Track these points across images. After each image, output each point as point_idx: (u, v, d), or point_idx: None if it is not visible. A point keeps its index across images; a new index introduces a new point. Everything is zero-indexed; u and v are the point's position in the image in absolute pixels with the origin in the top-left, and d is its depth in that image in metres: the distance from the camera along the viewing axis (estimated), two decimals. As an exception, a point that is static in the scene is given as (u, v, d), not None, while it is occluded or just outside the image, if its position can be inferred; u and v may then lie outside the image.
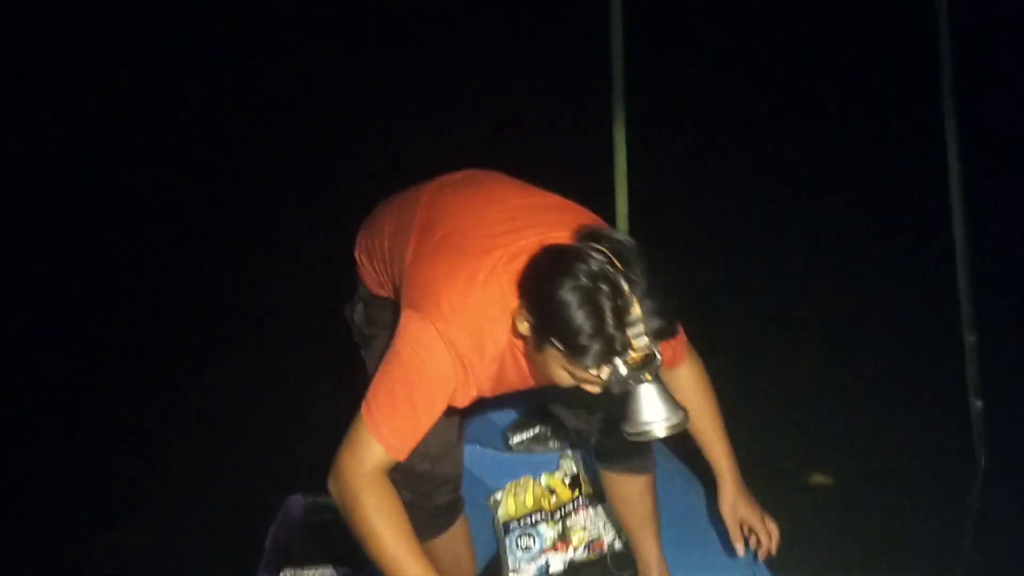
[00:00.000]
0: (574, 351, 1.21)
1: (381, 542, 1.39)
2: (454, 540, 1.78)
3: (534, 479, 2.11)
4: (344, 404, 3.59)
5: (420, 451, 1.48)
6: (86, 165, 4.62)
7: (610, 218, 2.53)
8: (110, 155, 4.66)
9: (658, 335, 1.21)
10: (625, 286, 1.19)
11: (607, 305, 1.18)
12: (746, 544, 1.74)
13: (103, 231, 4.38)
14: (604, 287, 1.18)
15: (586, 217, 1.48)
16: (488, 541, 1.96)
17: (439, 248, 1.45)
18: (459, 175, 1.66)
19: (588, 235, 1.26)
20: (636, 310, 1.19)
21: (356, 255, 1.71)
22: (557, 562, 2.00)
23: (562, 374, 1.29)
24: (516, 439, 2.25)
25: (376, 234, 1.64)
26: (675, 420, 1.23)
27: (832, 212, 4.24)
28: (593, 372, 1.22)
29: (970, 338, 2.63)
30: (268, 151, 4.58)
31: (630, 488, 1.84)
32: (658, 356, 1.21)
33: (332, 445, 3.16)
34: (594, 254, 1.21)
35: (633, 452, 1.80)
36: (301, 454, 3.13)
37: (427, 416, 1.39)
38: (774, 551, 1.74)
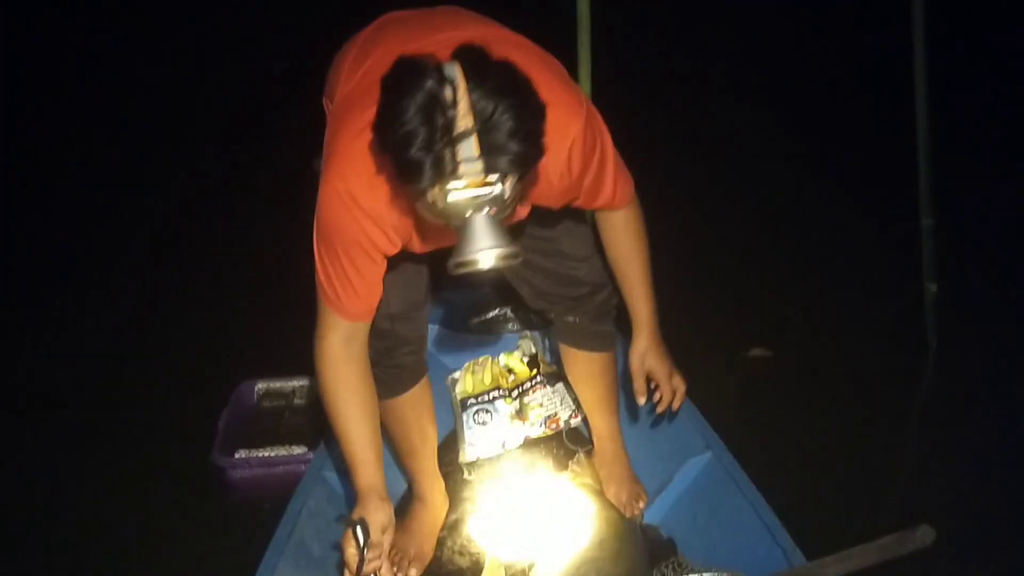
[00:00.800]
0: (402, 168, 1.11)
1: (334, 410, 1.44)
2: (416, 403, 1.80)
3: (492, 358, 2.12)
4: (300, 290, 3.57)
5: (382, 310, 1.47)
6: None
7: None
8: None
9: (512, 163, 1.09)
10: (465, 105, 1.06)
11: (438, 121, 1.07)
12: (650, 395, 1.73)
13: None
14: (439, 102, 1.07)
15: (525, 54, 1.34)
16: (446, 419, 1.99)
17: (353, 90, 1.39)
18: (414, 11, 1.56)
19: (454, 52, 1.13)
20: (466, 127, 1.06)
21: (323, 102, 1.61)
22: (514, 437, 2.04)
23: (418, 208, 1.20)
24: (475, 320, 2.27)
25: (334, 78, 1.54)
26: (506, 251, 1.10)
27: (793, 87, 4.25)
28: (429, 198, 1.10)
29: (927, 222, 2.66)
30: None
31: (590, 365, 1.88)
32: (498, 184, 1.09)
33: (284, 332, 3.18)
34: (441, 68, 1.08)
35: (595, 330, 1.83)
36: (252, 341, 3.15)
37: (356, 274, 1.37)
38: (676, 408, 1.72)
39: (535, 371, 2.10)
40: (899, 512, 2.07)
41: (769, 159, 3.95)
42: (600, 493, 1.85)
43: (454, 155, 1.07)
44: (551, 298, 1.80)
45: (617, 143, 1.50)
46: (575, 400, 2.08)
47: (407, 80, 1.10)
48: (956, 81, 3.64)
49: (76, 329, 3.24)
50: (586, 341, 1.86)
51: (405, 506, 1.87)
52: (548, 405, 2.07)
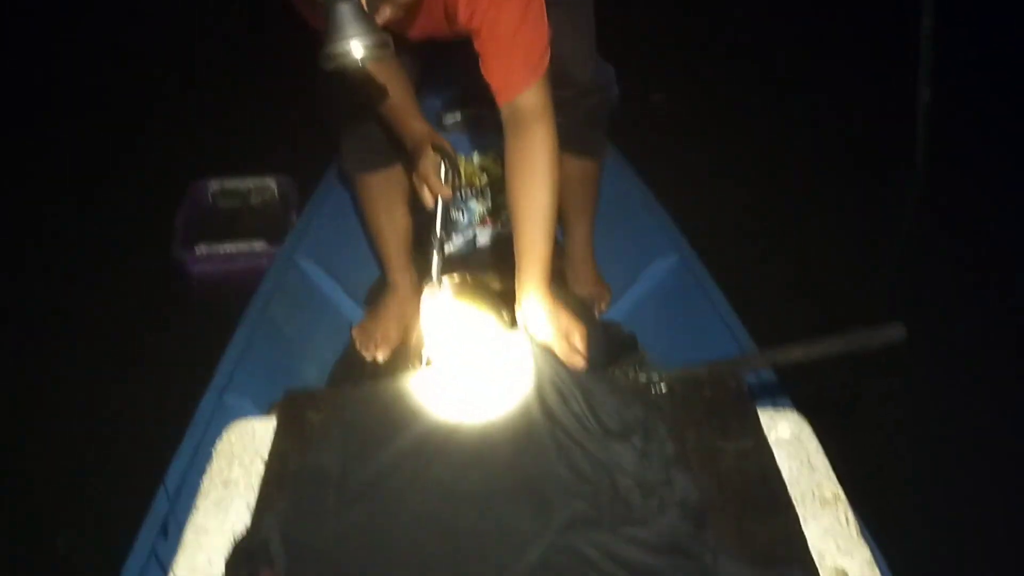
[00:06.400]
0: None
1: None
2: (387, 185, 1.85)
3: (466, 157, 2.20)
4: (249, 90, 3.51)
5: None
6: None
7: None
8: None
9: None
10: None
11: None
12: None
13: None
14: None
15: None
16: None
17: None
18: None
19: None
20: None
21: None
22: (484, 235, 2.15)
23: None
24: (450, 118, 2.31)
25: None
26: (374, 41, 1.10)
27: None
28: None
29: (927, 25, 2.64)
30: None
31: (572, 169, 1.89)
32: None
33: (236, 130, 3.16)
34: None
35: (583, 134, 1.83)
36: (205, 140, 3.16)
37: None
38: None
39: (508, 172, 2.17)
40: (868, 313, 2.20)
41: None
42: (564, 282, 1.97)
43: None
44: None
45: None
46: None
47: None
48: None
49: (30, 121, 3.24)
50: (571, 144, 1.79)
51: (377, 292, 1.99)
52: (519, 206, 2.16)
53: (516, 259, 1.39)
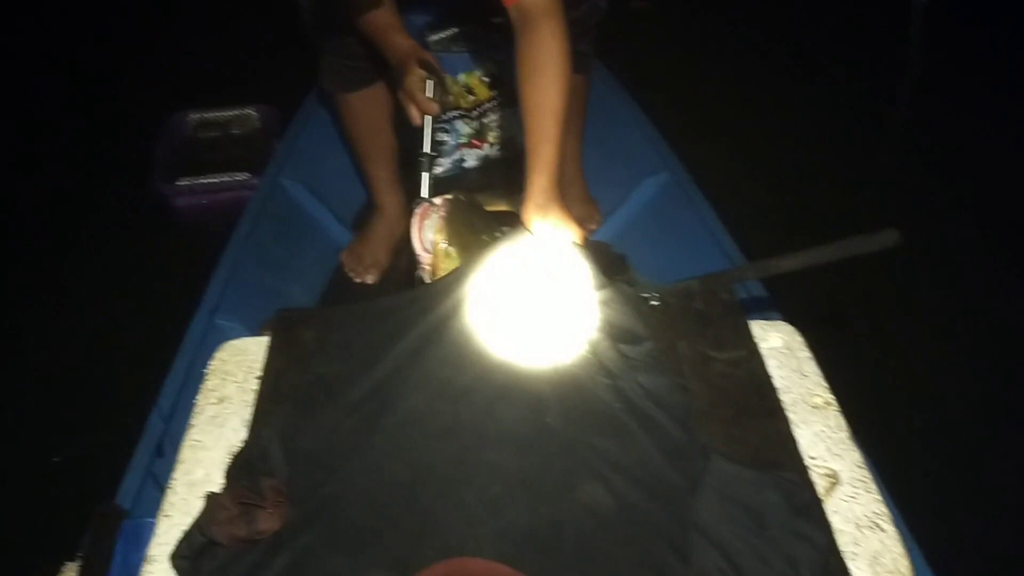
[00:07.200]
0: None
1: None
2: (371, 103, 1.83)
3: (452, 77, 2.16)
4: (228, 18, 3.41)
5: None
6: None
7: None
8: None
9: None
10: None
11: None
12: None
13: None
14: None
15: None
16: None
17: None
18: None
19: None
20: None
21: None
22: (471, 157, 2.12)
23: None
24: (434, 37, 2.26)
25: None
26: None
27: None
28: None
29: None
30: None
31: None
32: None
33: (215, 60, 3.08)
34: None
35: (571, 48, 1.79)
36: (183, 71, 3.09)
37: None
38: None
39: (495, 92, 2.14)
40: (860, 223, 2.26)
41: None
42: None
43: None
44: None
45: None
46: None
47: None
48: None
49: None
50: None
51: (364, 215, 1.97)
52: (507, 127, 2.14)
53: (526, 158, 1.30)
